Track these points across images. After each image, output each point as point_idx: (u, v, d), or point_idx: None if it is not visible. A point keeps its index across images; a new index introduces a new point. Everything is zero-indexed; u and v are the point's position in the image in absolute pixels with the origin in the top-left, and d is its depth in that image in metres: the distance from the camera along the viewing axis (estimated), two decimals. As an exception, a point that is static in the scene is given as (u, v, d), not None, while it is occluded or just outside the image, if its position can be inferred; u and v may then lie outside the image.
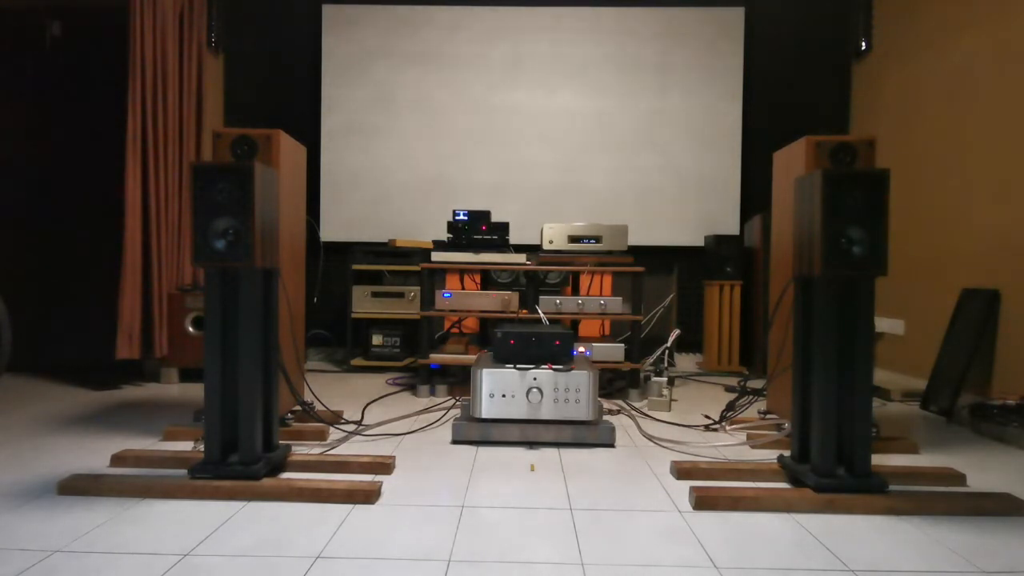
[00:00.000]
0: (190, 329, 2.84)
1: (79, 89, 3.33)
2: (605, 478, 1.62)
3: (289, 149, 1.86)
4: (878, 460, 1.76)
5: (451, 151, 3.65)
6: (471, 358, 2.61)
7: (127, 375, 3.00)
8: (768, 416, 2.04)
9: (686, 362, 3.64)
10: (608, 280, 3.42)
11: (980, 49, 2.61)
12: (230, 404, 1.52)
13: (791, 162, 1.84)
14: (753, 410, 2.28)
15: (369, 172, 3.65)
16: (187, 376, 2.91)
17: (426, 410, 2.36)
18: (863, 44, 3.47)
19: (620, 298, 2.68)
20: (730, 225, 3.63)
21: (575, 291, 3.22)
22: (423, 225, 3.65)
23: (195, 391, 2.69)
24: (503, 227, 2.77)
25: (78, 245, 3.34)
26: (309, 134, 3.64)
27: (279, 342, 1.63)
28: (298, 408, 2.01)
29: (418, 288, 3.24)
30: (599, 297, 2.65)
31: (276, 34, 3.67)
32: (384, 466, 1.63)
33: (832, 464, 1.47)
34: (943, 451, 1.93)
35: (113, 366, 3.12)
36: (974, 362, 2.41)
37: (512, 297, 2.67)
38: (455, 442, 1.93)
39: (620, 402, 2.55)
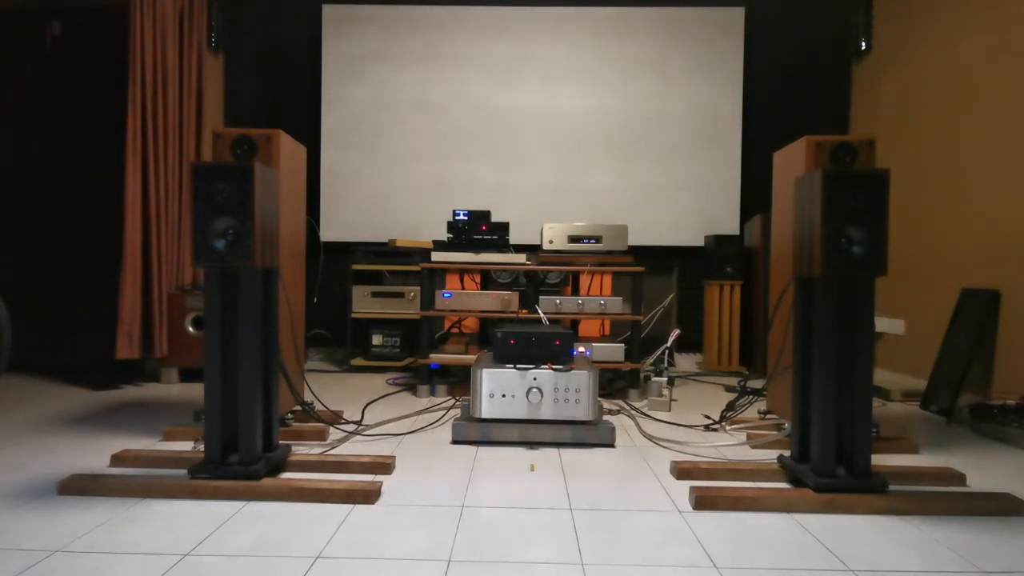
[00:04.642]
0: (190, 329, 2.84)
1: (79, 89, 3.33)
2: (605, 478, 1.62)
3: (289, 149, 1.86)
4: (878, 460, 1.75)
5: (451, 151, 3.65)
6: (471, 358, 2.61)
7: (127, 375, 3.00)
8: (768, 416, 2.04)
9: (686, 362, 3.64)
10: (608, 280, 3.42)
11: (980, 49, 2.61)
12: (230, 404, 1.52)
13: (791, 162, 1.84)
14: (753, 410, 2.28)
15: (369, 172, 3.65)
16: (187, 376, 2.91)
17: (426, 410, 2.36)
18: (863, 44, 3.47)
19: (620, 298, 2.68)
20: (730, 225, 3.63)
21: (575, 291, 3.22)
22: (423, 225, 3.65)
23: (195, 391, 2.69)
24: (503, 227, 2.77)
25: (78, 245, 3.34)
26: (309, 134, 3.64)
27: (279, 342, 1.63)
28: (298, 408, 2.01)
29: (418, 288, 3.24)
30: (599, 297, 2.65)
31: (276, 34, 3.67)
32: (384, 466, 1.63)
33: (832, 464, 1.47)
34: (943, 451, 1.93)
35: (113, 366, 3.12)
36: (974, 362, 2.41)
37: (512, 297, 2.67)
38: (455, 442, 1.92)
39: (620, 402, 2.55)
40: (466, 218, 2.76)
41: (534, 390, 1.88)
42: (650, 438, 2.02)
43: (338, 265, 3.68)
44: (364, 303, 3.24)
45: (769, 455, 1.80)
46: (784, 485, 1.57)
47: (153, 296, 2.75)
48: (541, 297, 2.66)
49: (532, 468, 1.69)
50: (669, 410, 2.42)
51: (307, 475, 1.59)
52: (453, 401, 2.54)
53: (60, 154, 3.34)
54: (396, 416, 2.26)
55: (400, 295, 3.26)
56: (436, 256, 2.70)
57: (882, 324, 3.18)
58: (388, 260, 3.29)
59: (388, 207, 3.65)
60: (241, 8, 3.63)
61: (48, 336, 3.32)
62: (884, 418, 2.36)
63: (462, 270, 3.14)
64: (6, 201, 3.33)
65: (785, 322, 1.84)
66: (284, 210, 1.83)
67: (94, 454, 1.77)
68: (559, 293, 3.20)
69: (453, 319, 3.33)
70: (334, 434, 1.98)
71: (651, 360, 2.63)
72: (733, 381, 3.12)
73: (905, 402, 2.64)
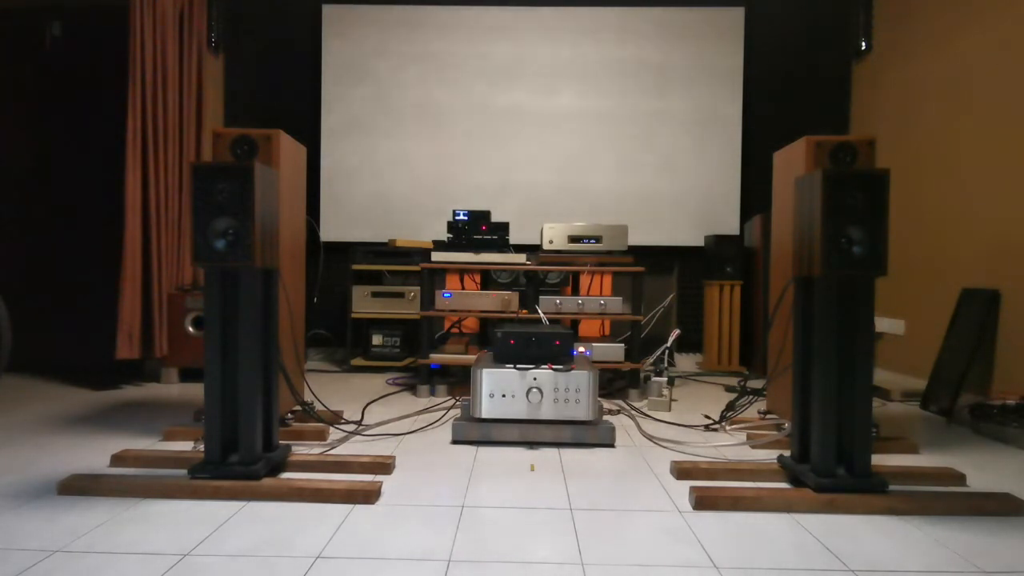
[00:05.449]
0: (190, 329, 2.84)
1: (79, 89, 3.33)
2: (605, 478, 1.62)
3: (289, 149, 1.86)
4: (878, 460, 1.75)
5: (451, 151, 3.65)
6: (471, 358, 2.61)
7: (127, 375, 3.00)
8: (768, 416, 2.04)
9: (686, 362, 3.64)
10: (608, 280, 3.42)
11: (980, 49, 2.61)
12: (230, 404, 1.52)
13: (791, 162, 1.84)
14: (753, 410, 2.28)
15: (369, 172, 3.65)
16: (187, 376, 2.91)
17: (426, 410, 2.36)
18: (863, 44, 3.47)
19: (620, 298, 2.68)
20: (730, 225, 3.63)
21: (575, 291, 3.22)
22: (423, 225, 3.65)
23: (195, 391, 2.69)
24: (503, 227, 2.77)
25: (78, 245, 3.34)
26: (309, 134, 3.64)
27: (279, 342, 1.63)
28: (298, 408, 2.01)
29: (418, 288, 3.24)
30: (599, 297, 2.65)
31: (276, 34, 3.68)
32: (384, 466, 1.63)
33: (832, 464, 1.47)
34: (943, 451, 1.93)
35: (113, 366, 3.11)
36: (974, 362, 2.41)
37: (512, 297, 2.67)
38: (455, 442, 1.92)
39: (620, 402, 2.55)
40: (466, 218, 2.76)
41: (534, 390, 1.88)
42: (650, 438, 2.02)
43: (338, 265, 3.68)
44: (364, 303, 3.24)
45: (769, 455, 1.81)
46: (784, 485, 1.57)
47: (153, 296, 2.75)
48: (541, 297, 2.66)
49: (532, 468, 1.69)
50: (669, 410, 2.42)
51: (307, 475, 1.59)
52: (453, 401, 2.54)
53: (60, 154, 3.34)
54: (396, 416, 2.26)
55: (400, 295, 3.26)
56: (436, 256, 2.70)
57: (882, 324, 3.18)
58: (388, 260, 3.29)
59: (388, 207, 3.65)
60: (241, 8, 3.64)
61: (48, 336, 3.32)
62: (884, 418, 2.36)
63: (462, 270, 3.14)
64: (6, 201, 3.33)
65: (785, 322, 1.84)
66: (284, 210, 1.83)
67: (94, 454, 1.76)
68: (559, 293, 3.20)
69: (453, 319, 3.33)
70: (334, 434, 1.98)
71: (651, 360, 2.63)
72: (733, 381, 3.12)
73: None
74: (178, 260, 2.95)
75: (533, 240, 3.59)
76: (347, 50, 3.63)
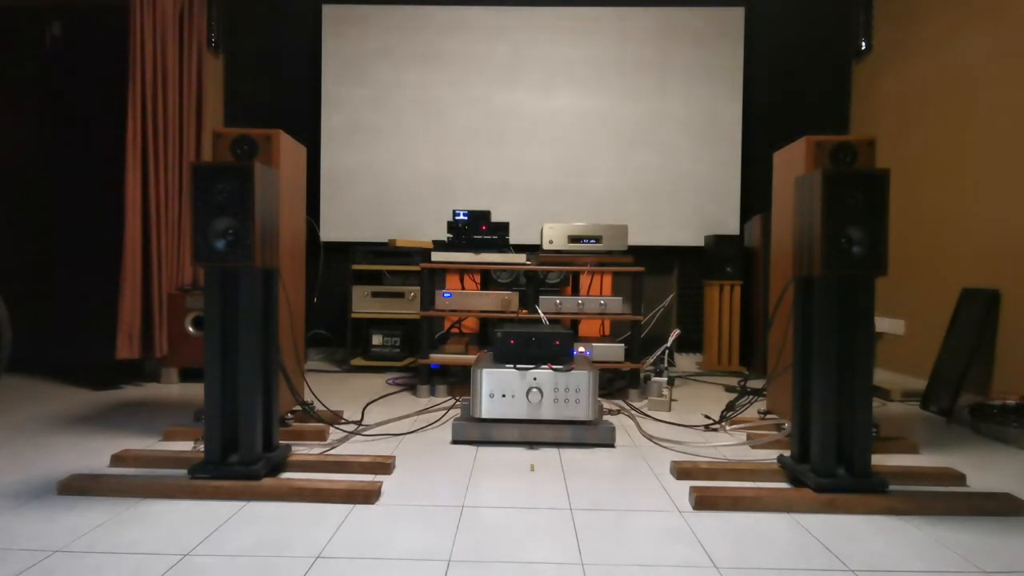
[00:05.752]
0: (190, 329, 2.84)
1: (79, 89, 3.33)
2: (605, 478, 1.62)
3: (289, 149, 1.86)
4: (878, 460, 1.75)
5: (451, 151, 3.65)
6: (471, 358, 2.61)
7: (127, 375, 3.00)
8: (768, 416, 2.04)
9: (686, 362, 3.64)
10: (608, 280, 3.42)
11: (980, 49, 2.61)
12: (230, 404, 1.52)
13: (791, 162, 1.84)
14: (753, 410, 2.28)
15: (369, 172, 3.65)
16: (187, 376, 2.91)
17: (426, 410, 2.36)
18: (863, 44, 3.47)
19: (620, 298, 2.68)
20: (730, 225, 3.63)
21: (575, 291, 3.22)
22: (423, 225, 3.65)
23: (195, 391, 2.69)
24: (503, 227, 2.77)
25: (78, 245, 3.34)
26: (309, 134, 3.64)
27: (279, 342, 1.63)
28: (298, 408, 2.01)
29: (418, 288, 3.24)
30: (599, 297, 2.65)
31: (276, 34, 3.68)
32: (384, 466, 1.63)
33: (832, 464, 1.47)
34: (943, 451, 1.92)
35: (113, 366, 3.11)
36: (974, 362, 2.41)
37: (512, 297, 2.67)
38: (455, 442, 1.92)
39: (620, 402, 2.55)
40: (466, 218, 2.76)
41: (534, 390, 1.88)
42: (650, 438, 2.02)
43: (338, 265, 3.68)
44: (364, 303, 3.24)
45: (769, 455, 1.80)
46: (784, 485, 1.57)
47: (153, 296, 2.75)
48: (541, 297, 2.66)
49: (532, 468, 1.69)
50: (669, 410, 2.42)
51: (307, 475, 1.59)
52: (453, 401, 2.54)
53: (60, 154, 3.34)
54: (396, 416, 2.25)
55: (400, 295, 3.26)
56: (436, 256, 2.70)
57: (882, 324, 3.18)
58: (388, 260, 3.29)
59: (388, 207, 3.65)
60: (241, 8, 3.64)
61: (48, 336, 3.32)
62: (884, 418, 2.36)
63: (462, 270, 3.14)
64: (6, 201, 3.33)
65: (785, 322, 1.84)
66: (284, 210, 1.83)
67: (94, 454, 1.76)
68: (559, 293, 3.20)
69: (453, 319, 3.33)
70: (334, 434, 1.98)
71: (651, 360, 2.63)
72: (733, 381, 3.12)
73: (905, 402, 2.64)
74: (178, 260, 2.95)
75: (533, 240, 3.59)
76: (347, 50, 3.63)
